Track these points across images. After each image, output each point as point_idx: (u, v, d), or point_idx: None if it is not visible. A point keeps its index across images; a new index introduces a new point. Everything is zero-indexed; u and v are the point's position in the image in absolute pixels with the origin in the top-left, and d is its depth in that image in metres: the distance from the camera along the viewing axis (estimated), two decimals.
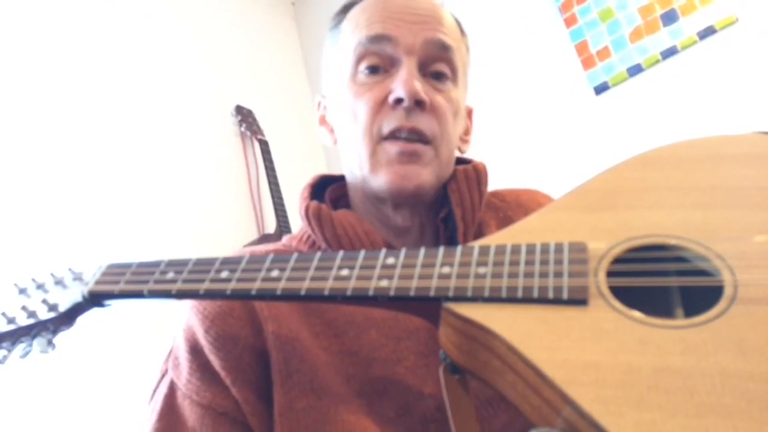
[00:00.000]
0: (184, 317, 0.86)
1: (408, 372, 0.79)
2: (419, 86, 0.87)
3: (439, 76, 0.92)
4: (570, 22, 2.66)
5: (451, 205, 0.93)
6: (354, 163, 0.93)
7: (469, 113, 1.06)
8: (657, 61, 2.43)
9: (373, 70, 0.91)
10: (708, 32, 2.32)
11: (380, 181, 0.88)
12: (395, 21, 0.91)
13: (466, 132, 1.04)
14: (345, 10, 0.99)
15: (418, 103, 0.87)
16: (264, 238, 2.78)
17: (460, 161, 1.01)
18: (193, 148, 2.81)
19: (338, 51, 0.97)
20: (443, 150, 0.91)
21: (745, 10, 2.26)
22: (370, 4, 0.95)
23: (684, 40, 2.37)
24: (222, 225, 2.75)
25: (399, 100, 0.87)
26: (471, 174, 0.96)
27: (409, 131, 0.87)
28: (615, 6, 2.55)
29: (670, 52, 2.40)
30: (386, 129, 0.88)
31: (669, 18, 2.41)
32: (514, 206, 1.02)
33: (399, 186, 0.87)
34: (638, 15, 2.48)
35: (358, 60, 0.92)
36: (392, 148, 0.88)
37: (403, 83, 0.87)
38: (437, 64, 0.92)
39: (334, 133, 1.01)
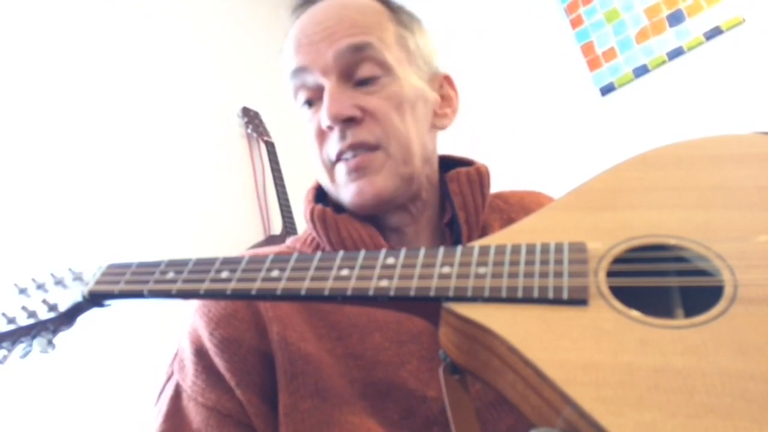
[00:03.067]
0: (189, 320, 0.86)
1: (411, 376, 0.79)
2: (339, 105, 0.86)
3: (366, 81, 0.89)
4: (576, 23, 2.66)
5: (454, 209, 0.93)
6: (325, 186, 0.95)
7: (446, 80, 1.02)
8: (663, 62, 2.43)
9: (309, 103, 0.92)
10: (714, 33, 2.32)
11: (345, 200, 0.90)
12: (305, 46, 0.91)
13: (443, 105, 0.99)
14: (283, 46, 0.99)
15: (349, 120, 0.87)
16: (270, 240, 2.78)
17: (462, 162, 1.00)
18: (200, 150, 2.81)
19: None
20: (394, 147, 0.89)
21: (752, 10, 2.25)
22: (290, 34, 0.95)
23: (690, 40, 2.37)
24: (228, 226, 2.75)
25: (330, 127, 0.88)
26: (473, 176, 0.95)
27: (351, 148, 0.88)
28: (621, 7, 2.54)
29: (676, 53, 2.39)
30: (332, 155, 0.89)
31: (675, 19, 2.40)
32: (518, 208, 1.01)
33: (359, 202, 0.88)
34: (644, 16, 2.48)
35: (295, 95, 0.94)
36: (341, 170, 0.89)
37: (325, 111, 0.87)
38: (359, 68, 0.89)
39: None
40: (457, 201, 0.93)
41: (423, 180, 0.93)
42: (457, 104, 1.01)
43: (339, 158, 0.89)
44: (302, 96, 0.92)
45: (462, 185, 0.94)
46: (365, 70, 0.89)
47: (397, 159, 0.89)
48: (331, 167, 0.90)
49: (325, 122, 0.87)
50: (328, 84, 0.88)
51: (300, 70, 0.91)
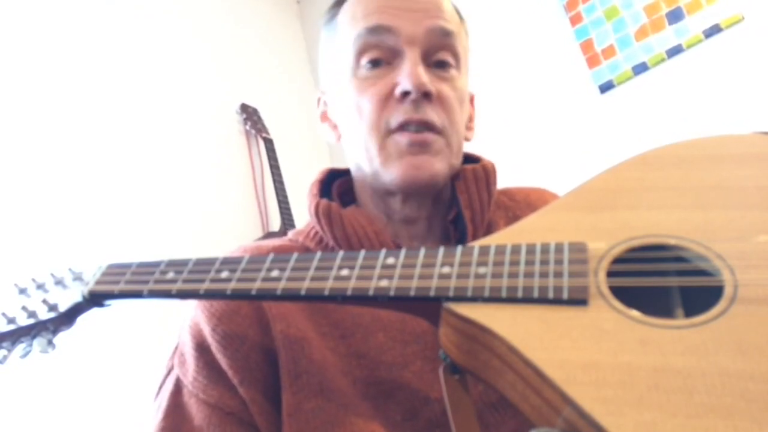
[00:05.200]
0: (191, 313, 0.86)
1: (414, 377, 0.78)
2: (425, 77, 0.86)
3: (443, 65, 0.90)
4: (575, 20, 2.66)
5: (459, 206, 0.93)
6: (362, 158, 0.91)
7: (471, 99, 1.04)
8: (662, 60, 2.42)
9: (375, 63, 0.90)
10: (714, 31, 2.31)
11: (393, 173, 0.87)
12: (394, 11, 0.89)
13: (470, 119, 1.02)
14: (339, 2, 0.97)
15: (426, 95, 0.86)
16: (268, 236, 2.78)
17: (468, 159, 1.00)
18: (198, 147, 2.81)
19: (336, 45, 0.95)
20: (453, 139, 0.90)
21: (751, 8, 2.25)
22: None
23: (689, 38, 2.36)
24: (227, 223, 2.75)
25: (406, 93, 0.85)
26: (480, 174, 0.95)
27: (418, 123, 0.86)
28: (620, 4, 2.54)
29: (675, 51, 2.39)
30: (394, 123, 0.87)
31: (674, 16, 2.40)
32: (523, 206, 1.01)
33: (413, 177, 0.86)
34: (643, 13, 2.48)
35: (359, 54, 0.91)
36: (402, 140, 0.86)
37: (408, 75, 0.85)
38: (441, 52, 0.90)
39: (337, 129, 0.99)
40: (462, 199, 0.93)
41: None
42: (474, 125, 1.04)
43: (401, 128, 0.87)
44: (371, 54, 0.90)
45: (468, 183, 0.94)
46: (444, 56, 0.91)
47: (453, 149, 0.90)
48: (386, 135, 0.88)
49: (407, 86, 0.85)
50: (412, 54, 0.87)
51: (383, 29, 0.89)
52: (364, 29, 0.90)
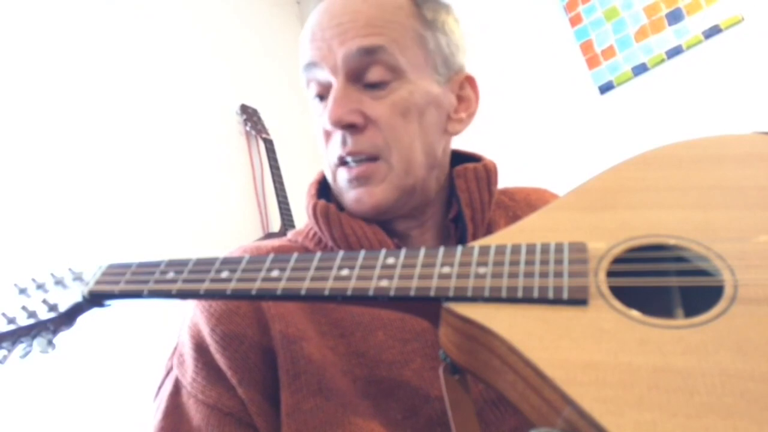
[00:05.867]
0: (190, 314, 0.86)
1: (415, 375, 0.78)
2: (341, 110, 0.84)
3: (374, 85, 0.86)
4: (575, 21, 2.66)
5: (460, 205, 0.92)
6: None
7: (465, 83, 0.98)
8: (662, 61, 2.42)
9: (320, 97, 0.90)
10: (713, 31, 2.31)
11: (347, 205, 0.90)
12: (318, 41, 0.88)
13: (458, 110, 0.96)
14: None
15: (351, 126, 0.85)
16: (268, 237, 2.78)
17: (470, 158, 0.99)
18: (198, 147, 2.81)
19: None
20: (395, 158, 0.86)
21: (751, 9, 2.25)
22: (308, 20, 0.92)
23: (689, 39, 2.36)
24: (227, 224, 2.75)
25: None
26: (481, 173, 0.94)
27: (350, 155, 0.86)
28: (620, 5, 2.54)
29: (675, 52, 2.39)
30: (334, 158, 0.89)
31: (674, 17, 2.40)
32: (524, 205, 1.00)
33: (358, 210, 0.88)
34: (643, 14, 2.48)
35: (307, 87, 0.92)
36: (343, 176, 0.88)
37: (327, 113, 0.85)
38: (368, 72, 0.86)
39: None
40: (463, 198, 0.92)
41: (431, 185, 0.92)
42: (476, 107, 0.98)
43: (341, 162, 0.88)
44: (313, 89, 0.91)
45: (469, 182, 0.93)
46: (375, 74, 0.86)
47: (398, 170, 0.87)
48: (334, 168, 0.90)
49: (326, 125, 0.86)
50: (335, 84, 0.86)
51: (311, 65, 0.89)
52: (302, 66, 0.91)
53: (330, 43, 0.86)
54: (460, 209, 0.92)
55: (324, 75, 0.87)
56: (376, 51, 0.85)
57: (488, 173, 0.95)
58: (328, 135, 0.89)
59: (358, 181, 0.87)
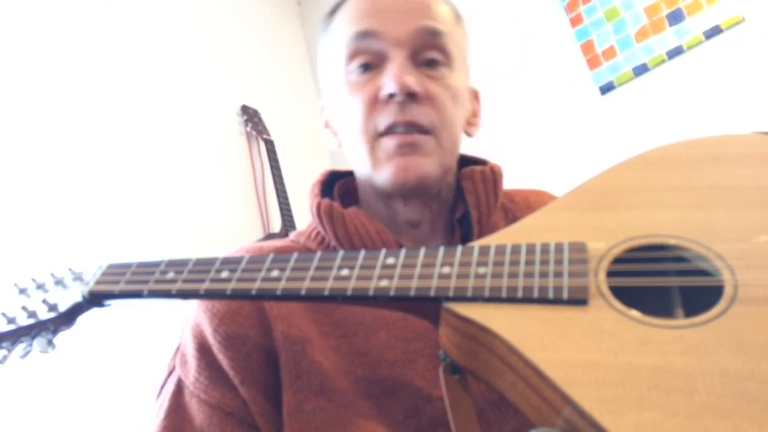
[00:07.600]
0: (192, 314, 0.86)
1: (417, 374, 0.78)
2: (410, 78, 0.86)
3: (432, 64, 0.90)
4: (576, 21, 2.66)
5: (467, 207, 0.93)
6: (357, 162, 0.93)
7: (475, 95, 1.05)
8: (663, 61, 2.42)
9: (365, 67, 0.90)
10: (714, 32, 2.31)
11: (383, 176, 0.88)
12: (381, 14, 0.90)
13: (474, 115, 1.02)
14: (334, 10, 0.98)
15: (412, 96, 0.86)
16: (269, 237, 2.78)
17: (476, 162, 1.00)
18: (199, 148, 2.81)
19: (331, 52, 0.97)
20: (445, 138, 0.89)
21: (752, 9, 2.25)
22: (357, 1, 0.94)
23: (690, 39, 2.36)
24: (227, 224, 2.75)
25: (391, 95, 0.86)
26: (488, 176, 0.95)
27: (405, 125, 0.86)
28: (621, 5, 2.54)
29: (676, 52, 2.39)
30: (382, 125, 0.87)
31: (675, 18, 2.40)
32: (523, 207, 1.01)
33: (402, 179, 0.86)
34: (644, 14, 2.48)
35: (349, 59, 0.92)
36: (390, 143, 0.87)
37: (392, 77, 0.85)
38: (429, 51, 0.90)
39: (337, 136, 1.00)
40: (470, 200, 0.93)
41: (451, 177, 0.94)
42: (480, 120, 1.03)
43: (389, 131, 0.87)
44: (359, 59, 0.91)
45: (476, 184, 0.94)
46: (433, 55, 0.90)
47: (445, 149, 0.89)
48: (374, 138, 0.89)
49: (391, 88, 0.85)
50: (398, 56, 0.88)
51: (368, 34, 0.90)
52: (352, 35, 0.91)
53: (399, 17, 0.90)
54: (467, 210, 0.93)
55: (380, 45, 0.89)
56: (440, 34, 0.91)
57: (495, 176, 0.96)
58: (374, 104, 0.88)
59: (410, 148, 0.86)
